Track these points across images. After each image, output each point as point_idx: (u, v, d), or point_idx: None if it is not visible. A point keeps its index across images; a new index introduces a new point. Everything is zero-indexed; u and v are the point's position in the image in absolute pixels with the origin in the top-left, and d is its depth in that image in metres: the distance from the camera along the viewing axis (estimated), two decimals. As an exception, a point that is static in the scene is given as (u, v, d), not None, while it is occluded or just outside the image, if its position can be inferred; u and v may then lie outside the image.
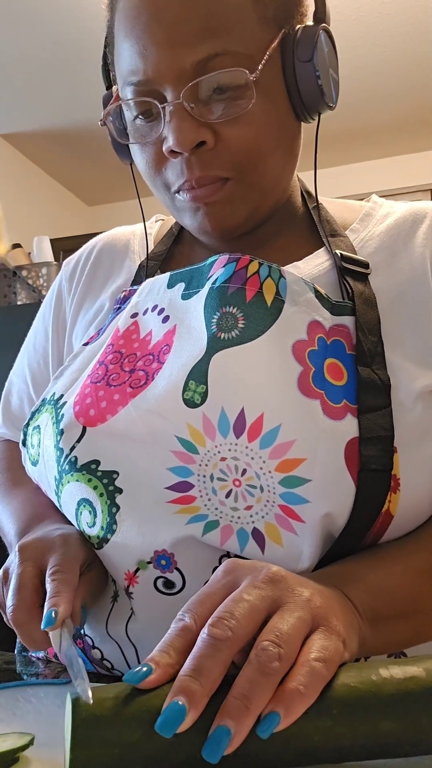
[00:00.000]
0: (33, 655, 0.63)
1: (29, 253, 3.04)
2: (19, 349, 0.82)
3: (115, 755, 0.32)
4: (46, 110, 3.36)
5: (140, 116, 0.57)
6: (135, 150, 0.60)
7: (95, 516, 0.54)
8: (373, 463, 0.48)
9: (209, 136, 0.54)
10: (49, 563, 0.50)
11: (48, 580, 0.48)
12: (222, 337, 0.53)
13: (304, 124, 0.61)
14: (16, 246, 3.07)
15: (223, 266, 0.57)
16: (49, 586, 0.47)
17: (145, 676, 0.34)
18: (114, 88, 0.61)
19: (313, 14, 0.58)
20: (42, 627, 0.45)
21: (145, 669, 0.34)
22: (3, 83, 3.09)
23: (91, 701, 0.33)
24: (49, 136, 3.62)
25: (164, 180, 0.58)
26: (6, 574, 0.53)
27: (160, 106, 0.54)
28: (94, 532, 0.54)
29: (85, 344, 0.65)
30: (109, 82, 0.63)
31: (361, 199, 0.71)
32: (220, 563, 0.51)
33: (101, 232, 0.79)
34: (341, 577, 0.47)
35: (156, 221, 0.75)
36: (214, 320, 0.54)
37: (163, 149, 0.55)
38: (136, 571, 0.52)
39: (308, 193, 0.68)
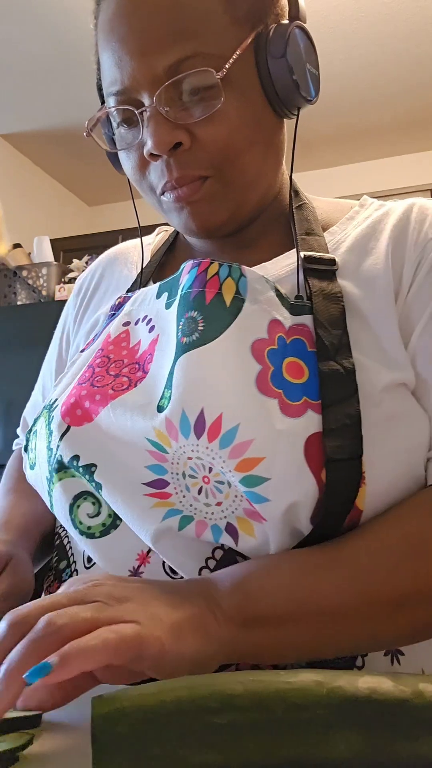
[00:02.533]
0: None
1: (29, 253, 3.05)
2: (19, 348, 0.84)
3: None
4: (46, 110, 3.36)
5: (122, 123, 0.59)
6: (122, 157, 0.62)
7: (99, 506, 0.56)
8: (339, 453, 0.49)
9: (185, 137, 0.56)
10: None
11: None
12: (185, 341, 0.54)
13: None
14: (17, 246, 3.07)
15: (189, 272, 0.59)
16: None
17: None
18: (94, 117, 0.64)
19: (288, 13, 0.60)
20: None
21: None
22: (3, 83, 3.10)
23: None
24: (49, 136, 3.62)
25: (149, 183, 0.61)
26: None
27: (137, 112, 0.56)
28: (97, 521, 0.56)
29: (82, 350, 0.67)
30: (103, 99, 0.66)
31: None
32: (213, 555, 0.53)
33: (102, 233, 0.81)
34: (218, 580, 0.48)
35: (159, 233, 0.78)
36: (180, 326, 0.56)
37: (144, 153, 0.58)
38: (149, 552, 0.54)
39: (296, 192, 0.68)
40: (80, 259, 2.99)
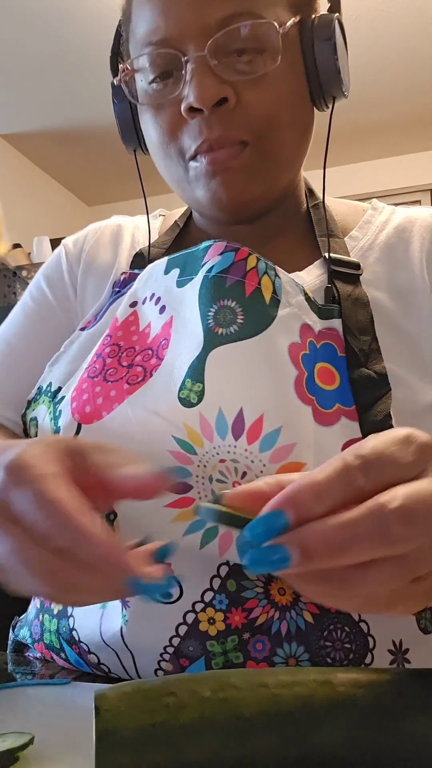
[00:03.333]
0: (30, 654, 0.62)
1: (29, 253, 3.05)
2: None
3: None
4: (46, 110, 3.36)
5: (157, 79, 0.56)
6: (147, 119, 0.58)
7: None
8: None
9: (231, 93, 0.53)
10: (84, 451, 0.36)
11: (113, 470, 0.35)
12: (220, 332, 0.51)
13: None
14: (16, 246, 3.07)
15: (220, 254, 0.55)
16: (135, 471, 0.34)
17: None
18: (121, 67, 0.60)
19: (328, 8, 0.59)
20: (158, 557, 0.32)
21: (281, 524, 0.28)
22: (3, 83, 3.09)
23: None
24: (49, 136, 3.62)
25: (179, 146, 0.57)
26: None
27: (183, 59, 0.53)
28: None
29: (82, 329, 0.63)
30: (116, 71, 0.62)
31: (361, 200, 0.71)
32: (218, 572, 0.49)
33: None
34: None
35: (159, 216, 0.73)
36: (211, 313, 0.52)
37: (182, 108, 0.54)
38: None
39: (310, 191, 0.67)
40: (80, 259, 2.98)
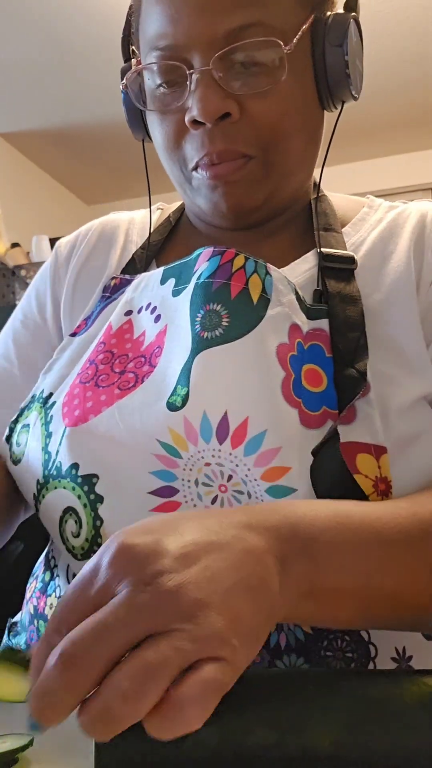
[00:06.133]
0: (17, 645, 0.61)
1: (28, 253, 3.05)
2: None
3: None
4: (46, 110, 3.36)
5: (163, 84, 0.55)
6: (153, 121, 0.58)
7: (80, 527, 0.51)
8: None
9: (234, 107, 0.52)
10: None
11: None
12: (206, 336, 0.50)
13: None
14: (15, 245, 3.07)
15: (207, 260, 0.54)
16: None
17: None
18: (133, 60, 0.60)
19: (344, 4, 0.57)
20: None
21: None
22: (3, 83, 3.09)
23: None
24: (48, 136, 3.62)
25: (182, 155, 0.56)
26: None
27: (188, 72, 0.52)
28: (78, 542, 0.51)
29: (72, 335, 0.62)
30: (128, 55, 0.61)
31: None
32: None
33: None
34: (300, 528, 0.38)
35: (156, 209, 0.72)
36: (198, 318, 0.52)
37: (186, 119, 0.53)
38: None
39: (316, 185, 0.66)
40: (79, 258, 2.98)
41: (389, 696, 0.34)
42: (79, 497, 0.51)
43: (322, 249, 0.57)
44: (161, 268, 0.59)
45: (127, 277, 0.62)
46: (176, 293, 0.56)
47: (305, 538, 0.37)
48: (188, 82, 0.52)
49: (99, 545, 0.50)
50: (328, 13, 0.56)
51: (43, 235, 3.11)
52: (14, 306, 3.03)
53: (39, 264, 2.88)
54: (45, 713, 0.29)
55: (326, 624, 0.43)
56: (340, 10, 0.57)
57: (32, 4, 2.57)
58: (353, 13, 0.56)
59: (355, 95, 0.57)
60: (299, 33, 0.52)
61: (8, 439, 0.59)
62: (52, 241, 3.24)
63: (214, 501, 0.48)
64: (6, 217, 3.27)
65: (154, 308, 0.57)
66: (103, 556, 0.32)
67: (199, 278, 0.54)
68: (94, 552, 0.47)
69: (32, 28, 2.71)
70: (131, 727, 0.28)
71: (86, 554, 0.51)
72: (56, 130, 3.57)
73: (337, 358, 0.51)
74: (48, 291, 0.69)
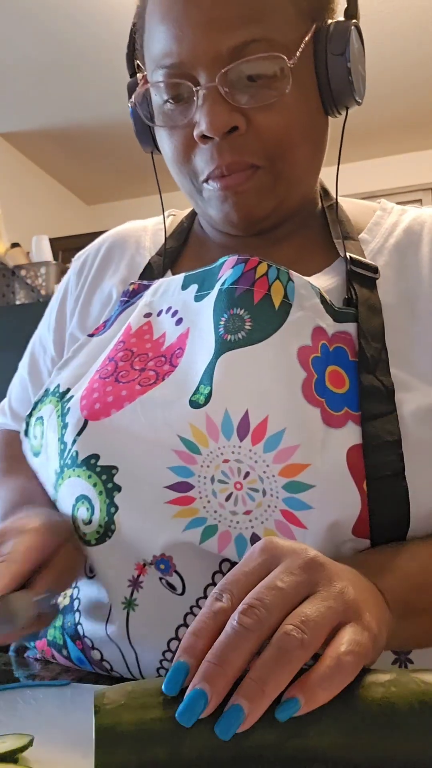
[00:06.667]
0: (29, 656, 0.62)
1: (28, 253, 3.04)
2: (17, 348, 0.82)
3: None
4: (46, 110, 3.36)
5: (170, 100, 0.56)
6: (162, 136, 0.59)
7: (92, 514, 0.53)
8: (383, 469, 0.48)
9: (241, 121, 0.54)
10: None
11: None
12: (229, 338, 0.53)
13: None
14: (15, 245, 3.06)
15: (232, 267, 0.57)
16: None
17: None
18: (139, 75, 0.61)
19: (345, 10, 0.59)
20: None
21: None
22: (3, 83, 3.09)
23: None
24: (48, 136, 3.62)
25: (192, 168, 0.58)
26: None
27: (194, 89, 0.54)
28: (90, 529, 0.53)
29: (90, 335, 0.64)
30: (133, 69, 0.63)
31: (362, 199, 0.70)
32: (220, 568, 0.50)
33: (100, 232, 0.78)
34: (375, 566, 0.45)
35: (168, 216, 0.74)
36: (222, 322, 0.54)
37: (194, 134, 0.55)
38: (145, 564, 0.52)
39: (324, 190, 0.68)
40: (79, 258, 2.98)
41: (389, 696, 0.34)
42: (95, 485, 0.53)
43: (350, 254, 0.59)
44: (182, 275, 0.62)
45: (145, 282, 0.65)
46: (199, 298, 0.58)
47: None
48: (195, 98, 0.54)
49: (113, 532, 0.52)
50: (329, 21, 0.57)
51: (43, 235, 3.10)
52: (14, 306, 3.02)
53: (39, 264, 2.87)
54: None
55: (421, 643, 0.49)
56: (341, 17, 0.58)
57: (33, 4, 2.58)
58: (354, 20, 0.57)
59: (359, 101, 0.59)
60: (302, 45, 0.54)
61: (26, 433, 0.62)
62: (52, 241, 3.24)
63: (228, 498, 0.49)
64: (6, 217, 3.27)
65: (176, 312, 0.59)
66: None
67: (223, 284, 0.56)
68: (109, 537, 0.51)
69: (33, 28, 2.71)
70: (130, 729, 0.28)
71: (101, 539, 0.53)
72: (57, 130, 3.57)
73: (362, 362, 0.52)
74: (56, 307, 0.75)
